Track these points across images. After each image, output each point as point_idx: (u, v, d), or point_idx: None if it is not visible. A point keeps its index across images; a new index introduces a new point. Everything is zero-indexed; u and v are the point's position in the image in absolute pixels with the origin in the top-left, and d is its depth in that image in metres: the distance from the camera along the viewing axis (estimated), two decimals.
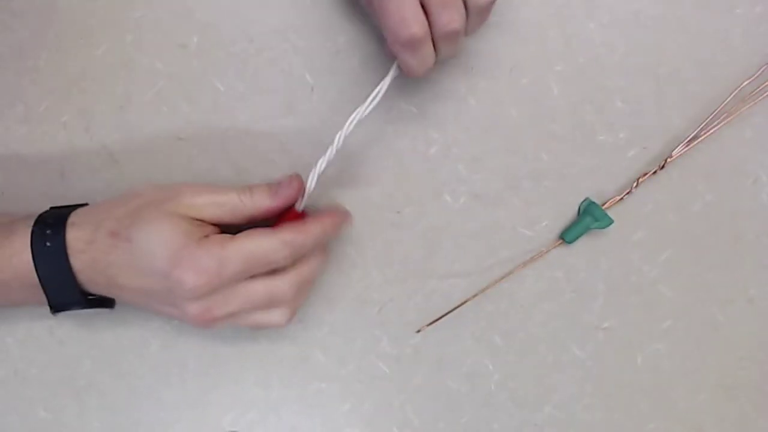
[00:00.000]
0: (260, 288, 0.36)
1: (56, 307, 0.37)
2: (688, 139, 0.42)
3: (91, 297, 0.38)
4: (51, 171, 0.42)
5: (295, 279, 0.37)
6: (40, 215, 0.37)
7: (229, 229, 0.37)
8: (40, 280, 0.36)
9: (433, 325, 0.42)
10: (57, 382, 0.42)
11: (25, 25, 0.42)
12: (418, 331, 0.42)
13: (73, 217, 0.37)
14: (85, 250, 0.35)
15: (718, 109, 0.42)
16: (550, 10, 0.43)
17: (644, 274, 0.44)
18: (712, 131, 0.42)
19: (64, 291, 0.36)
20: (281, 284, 0.36)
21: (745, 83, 0.42)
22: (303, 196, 0.38)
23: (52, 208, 0.39)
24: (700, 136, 0.42)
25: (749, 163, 0.43)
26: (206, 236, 0.35)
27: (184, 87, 0.42)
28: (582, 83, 0.43)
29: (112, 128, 0.42)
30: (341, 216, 0.40)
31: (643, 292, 0.44)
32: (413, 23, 0.34)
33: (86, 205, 0.39)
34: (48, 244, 0.35)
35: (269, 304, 0.37)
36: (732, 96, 0.42)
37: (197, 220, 0.36)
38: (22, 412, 0.42)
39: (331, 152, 0.37)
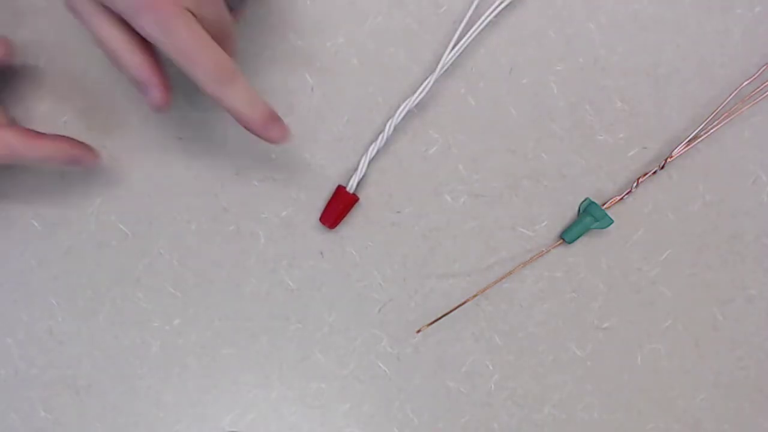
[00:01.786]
0: None
1: None
2: (688, 139, 0.42)
3: None
4: (51, 171, 0.42)
5: None
6: None
7: None
8: None
9: (433, 325, 0.42)
10: (57, 382, 0.42)
11: (25, 25, 0.42)
12: (418, 331, 0.42)
13: None
14: None
15: (718, 109, 0.42)
16: (550, 10, 0.43)
17: (644, 274, 0.44)
18: (712, 131, 0.42)
19: None
20: None
21: (745, 83, 0.42)
22: (355, 179, 0.41)
23: None
24: (700, 136, 0.42)
25: (749, 163, 0.43)
26: None
27: (184, 87, 0.42)
28: (582, 83, 0.43)
29: (112, 128, 0.42)
30: (80, 151, 0.37)
31: (643, 292, 0.44)
32: (224, 57, 0.32)
33: None
34: None
35: None
36: (732, 96, 0.42)
37: None
38: (22, 412, 0.42)
39: (381, 139, 0.41)
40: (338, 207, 0.41)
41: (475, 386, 0.43)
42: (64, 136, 0.37)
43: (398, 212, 0.43)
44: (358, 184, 0.41)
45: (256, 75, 0.42)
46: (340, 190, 0.41)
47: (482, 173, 0.43)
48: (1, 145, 0.34)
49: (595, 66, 0.43)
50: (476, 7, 0.40)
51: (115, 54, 0.32)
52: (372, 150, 0.41)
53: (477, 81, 0.43)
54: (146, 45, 0.32)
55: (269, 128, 0.34)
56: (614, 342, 0.44)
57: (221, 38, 0.32)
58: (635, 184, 0.42)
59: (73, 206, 0.42)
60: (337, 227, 0.42)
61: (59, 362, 0.42)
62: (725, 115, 0.42)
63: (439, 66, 0.40)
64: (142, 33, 0.30)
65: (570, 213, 0.43)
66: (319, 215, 0.42)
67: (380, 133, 0.41)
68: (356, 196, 0.41)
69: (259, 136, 0.35)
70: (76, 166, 0.38)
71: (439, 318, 0.42)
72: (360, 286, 0.43)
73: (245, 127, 0.34)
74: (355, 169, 0.41)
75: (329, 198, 0.42)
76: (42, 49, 0.42)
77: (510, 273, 0.43)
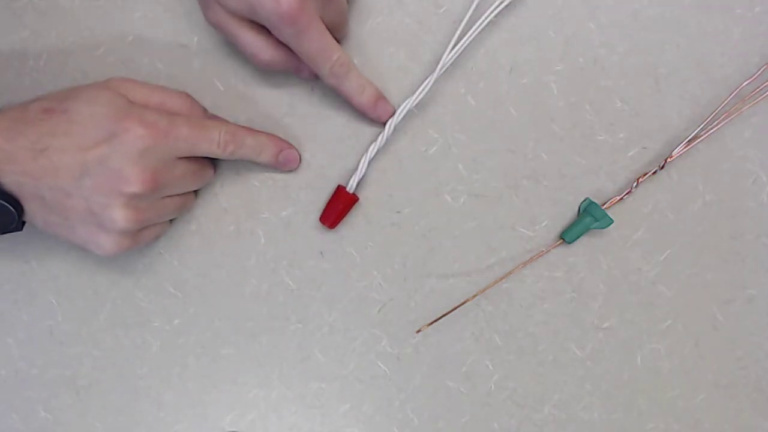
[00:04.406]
0: (193, 176, 0.38)
1: None
2: (688, 139, 0.42)
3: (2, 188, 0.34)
4: None
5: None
6: None
7: None
8: None
9: (433, 325, 0.42)
10: (57, 382, 0.42)
11: (25, 25, 0.42)
12: (418, 331, 0.42)
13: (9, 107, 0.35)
14: (11, 127, 0.33)
15: (718, 109, 0.42)
16: (550, 10, 0.43)
17: (644, 274, 0.44)
18: (712, 131, 0.42)
19: None
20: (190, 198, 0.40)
21: (745, 83, 0.42)
22: (355, 179, 0.41)
23: None
24: (700, 136, 0.42)
25: (749, 163, 0.43)
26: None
27: (184, 87, 0.42)
28: (582, 83, 0.43)
29: None
30: (291, 151, 0.42)
31: (643, 292, 0.44)
32: (343, 55, 0.38)
33: None
34: None
35: (178, 211, 0.39)
36: (732, 96, 0.42)
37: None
38: (22, 412, 0.42)
39: (381, 139, 0.41)
40: (338, 207, 0.41)
41: (475, 386, 0.43)
42: (270, 135, 0.41)
43: (398, 212, 0.43)
44: (358, 184, 0.41)
45: (257, 75, 0.42)
46: (340, 190, 0.41)
47: (482, 173, 0.43)
48: (225, 130, 0.37)
49: (595, 66, 0.43)
50: (476, 7, 0.40)
51: (255, 56, 0.38)
52: (372, 150, 0.41)
53: (477, 81, 0.43)
54: (279, 42, 0.37)
55: (377, 109, 0.41)
56: (614, 342, 0.44)
57: (338, 29, 0.39)
58: (635, 184, 0.42)
59: None
60: (337, 227, 0.42)
61: (59, 362, 0.42)
62: (725, 115, 0.42)
63: (439, 66, 0.40)
64: (281, 39, 0.36)
65: (570, 213, 0.43)
66: (319, 215, 0.42)
67: (380, 133, 0.41)
68: (356, 196, 0.41)
69: (368, 116, 0.41)
70: (284, 165, 0.42)
71: (439, 318, 0.42)
72: (360, 286, 0.43)
73: (357, 109, 0.41)
74: (355, 169, 0.41)
75: (329, 198, 0.42)
76: (42, 49, 0.42)
77: (510, 273, 0.43)
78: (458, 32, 0.40)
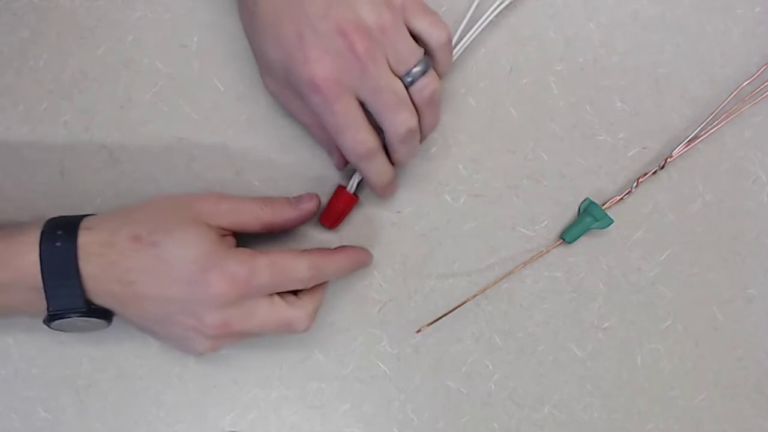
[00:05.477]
0: (281, 311, 0.37)
1: (54, 314, 0.36)
2: (688, 139, 0.42)
3: (92, 306, 0.37)
4: (51, 171, 0.42)
5: (311, 308, 0.38)
6: (51, 218, 0.36)
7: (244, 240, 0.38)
8: (43, 280, 0.34)
9: (433, 325, 0.42)
10: (57, 382, 0.42)
11: (25, 25, 0.42)
12: (418, 331, 0.42)
13: (88, 222, 0.36)
14: (102, 253, 0.34)
15: (718, 109, 0.42)
16: (550, 10, 0.43)
17: (644, 274, 0.44)
18: (712, 131, 0.42)
19: (68, 295, 0.35)
20: (300, 314, 0.37)
21: (745, 83, 0.42)
22: (355, 179, 0.40)
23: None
24: (700, 136, 0.42)
25: (749, 163, 0.44)
26: (233, 246, 0.36)
27: (184, 87, 0.42)
28: (582, 83, 0.43)
29: (112, 128, 0.42)
30: (365, 255, 0.41)
31: (643, 292, 0.44)
32: (369, 140, 0.36)
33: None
34: (58, 244, 0.34)
35: (285, 329, 0.37)
36: (732, 96, 0.42)
37: (220, 228, 0.36)
38: (22, 412, 0.42)
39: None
40: (338, 207, 0.41)
41: (475, 386, 0.43)
42: (352, 248, 0.40)
43: (398, 212, 0.43)
44: (358, 184, 0.41)
45: (257, 75, 0.42)
46: (340, 191, 0.41)
47: (482, 173, 0.43)
48: (307, 267, 0.37)
49: (595, 66, 0.43)
50: (477, 6, 0.40)
51: (299, 118, 0.40)
52: None
53: (477, 81, 0.43)
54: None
55: (386, 193, 0.41)
56: (614, 342, 0.44)
57: (379, 110, 0.36)
58: (635, 184, 0.42)
59: (73, 206, 0.42)
60: (338, 227, 0.42)
61: (59, 362, 0.42)
62: (725, 115, 0.42)
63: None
64: (311, 107, 0.36)
65: (570, 213, 0.43)
66: (319, 215, 0.42)
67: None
68: (356, 197, 0.41)
69: (376, 193, 0.41)
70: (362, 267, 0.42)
71: (439, 318, 0.42)
72: (360, 286, 0.43)
73: (370, 188, 0.41)
74: (355, 170, 0.41)
75: (329, 198, 0.42)
76: (42, 49, 0.42)
77: (510, 273, 0.43)
78: (459, 31, 0.40)
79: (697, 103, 0.43)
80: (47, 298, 0.35)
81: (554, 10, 0.43)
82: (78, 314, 0.36)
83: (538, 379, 0.44)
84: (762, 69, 0.43)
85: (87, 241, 0.34)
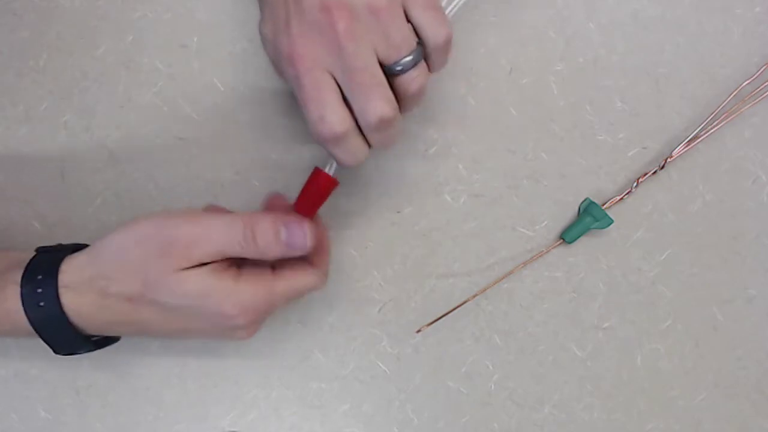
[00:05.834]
0: (298, 287, 0.38)
1: (64, 353, 0.37)
2: (688, 139, 0.42)
3: (96, 338, 0.37)
4: (51, 171, 0.42)
5: (322, 270, 0.39)
6: (28, 268, 0.34)
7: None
8: (38, 333, 0.34)
9: (433, 325, 0.42)
10: (57, 382, 0.42)
11: (26, 25, 0.42)
12: (418, 331, 0.42)
13: (66, 277, 0.34)
14: (95, 314, 0.34)
15: (718, 109, 0.42)
16: (550, 10, 0.43)
17: (644, 274, 0.44)
18: (712, 131, 0.42)
19: (69, 343, 0.36)
20: (312, 279, 0.38)
21: (745, 83, 0.42)
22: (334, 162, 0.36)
23: (38, 250, 0.36)
24: (700, 136, 0.42)
25: (749, 163, 0.44)
26: (239, 274, 0.35)
27: (184, 87, 0.42)
28: (582, 83, 0.43)
29: (112, 128, 0.42)
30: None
31: (643, 292, 0.44)
32: (334, 121, 0.33)
33: (73, 251, 0.36)
34: (42, 304, 0.33)
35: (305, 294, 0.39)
36: (732, 96, 0.42)
37: (208, 264, 0.35)
38: (22, 412, 0.42)
39: None
40: (315, 192, 0.36)
41: (475, 386, 0.43)
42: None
43: (398, 212, 0.43)
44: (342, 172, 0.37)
45: (257, 75, 0.42)
46: (317, 172, 0.36)
47: (482, 173, 0.43)
48: (321, 278, 0.38)
49: (595, 66, 0.43)
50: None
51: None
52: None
53: (477, 81, 0.43)
54: None
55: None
56: (614, 342, 0.44)
57: (351, 91, 0.33)
58: (635, 184, 0.42)
59: (73, 206, 0.42)
60: (337, 227, 0.42)
61: (59, 362, 0.42)
62: (725, 115, 0.42)
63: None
64: (286, 79, 0.35)
65: (570, 213, 0.43)
66: (294, 204, 0.37)
67: None
68: (335, 180, 0.36)
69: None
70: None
71: (439, 318, 0.42)
72: (360, 286, 0.43)
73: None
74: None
75: (305, 182, 0.36)
76: (42, 49, 0.42)
77: (510, 273, 0.43)
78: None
79: (697, 103, 0.43)
80: (50, 346, 0.36)
81: (554, 10, 0.42)
82: (87, 351, 0.37)
83: (538, 379, 0.44)
84: (762, 69, 0.43)
85: (73, 302, 0.34)
